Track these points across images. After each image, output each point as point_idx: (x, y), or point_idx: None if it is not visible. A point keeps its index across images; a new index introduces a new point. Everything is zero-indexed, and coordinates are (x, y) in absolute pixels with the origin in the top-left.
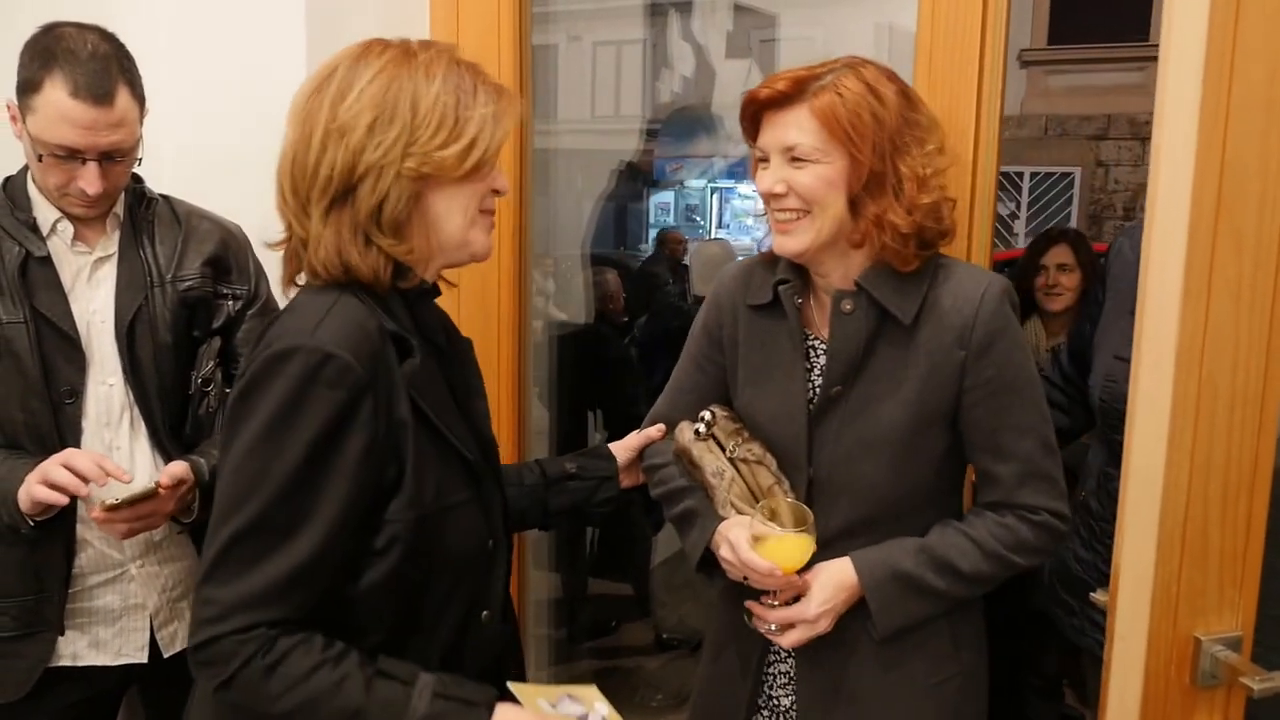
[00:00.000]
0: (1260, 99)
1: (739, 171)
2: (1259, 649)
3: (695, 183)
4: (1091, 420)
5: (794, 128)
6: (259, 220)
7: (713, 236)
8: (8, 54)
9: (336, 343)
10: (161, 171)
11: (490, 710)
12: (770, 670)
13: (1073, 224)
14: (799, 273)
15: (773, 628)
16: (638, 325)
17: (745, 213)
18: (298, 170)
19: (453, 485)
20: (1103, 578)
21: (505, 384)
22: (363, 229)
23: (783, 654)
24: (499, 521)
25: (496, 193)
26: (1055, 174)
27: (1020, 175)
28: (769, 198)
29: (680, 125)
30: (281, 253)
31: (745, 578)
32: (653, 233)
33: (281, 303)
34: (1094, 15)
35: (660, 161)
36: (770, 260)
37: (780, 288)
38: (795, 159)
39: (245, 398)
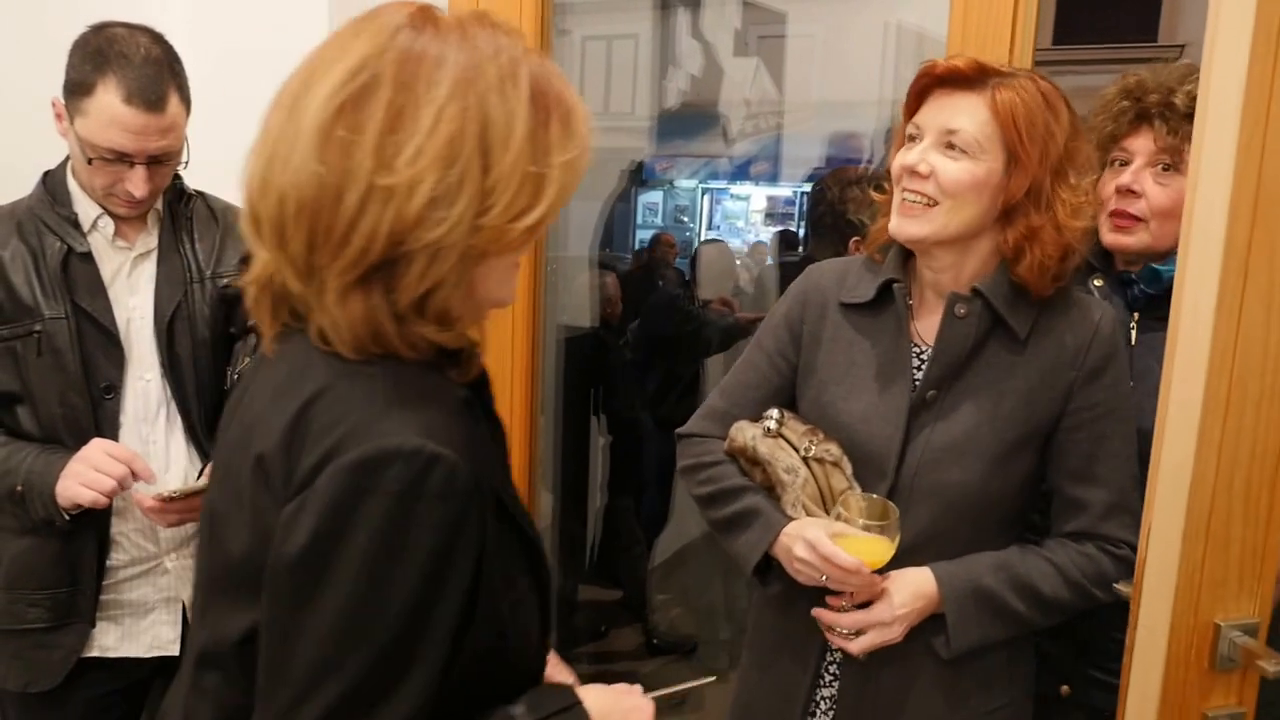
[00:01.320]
0: None
1: (735, 172)
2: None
3: (685, 183)
4: None
5: (965, 113)
6: None
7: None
8: (33, 49)
9: (434, 435)
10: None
11: (580, 703)
12: (823, 676)
13: None
14: (905, 274)
15: (845, 632)
16: (630, 329)
17: (736, 215)
18: (316, 223)
19: (516, 574)
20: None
21: (519, 395)
22: (401, 314)
23: (833, 670)
24: (549, 606)
25: None
26: None
27: None
28: (907, 174)
29: (678, 124)
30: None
31: (824, 578)
32: (642, 234)
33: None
34: (1101, 15)
35: (649, 161)
36: (871, 261)
37: (894, 285)
38: (952, 145)
39: (326, 534)
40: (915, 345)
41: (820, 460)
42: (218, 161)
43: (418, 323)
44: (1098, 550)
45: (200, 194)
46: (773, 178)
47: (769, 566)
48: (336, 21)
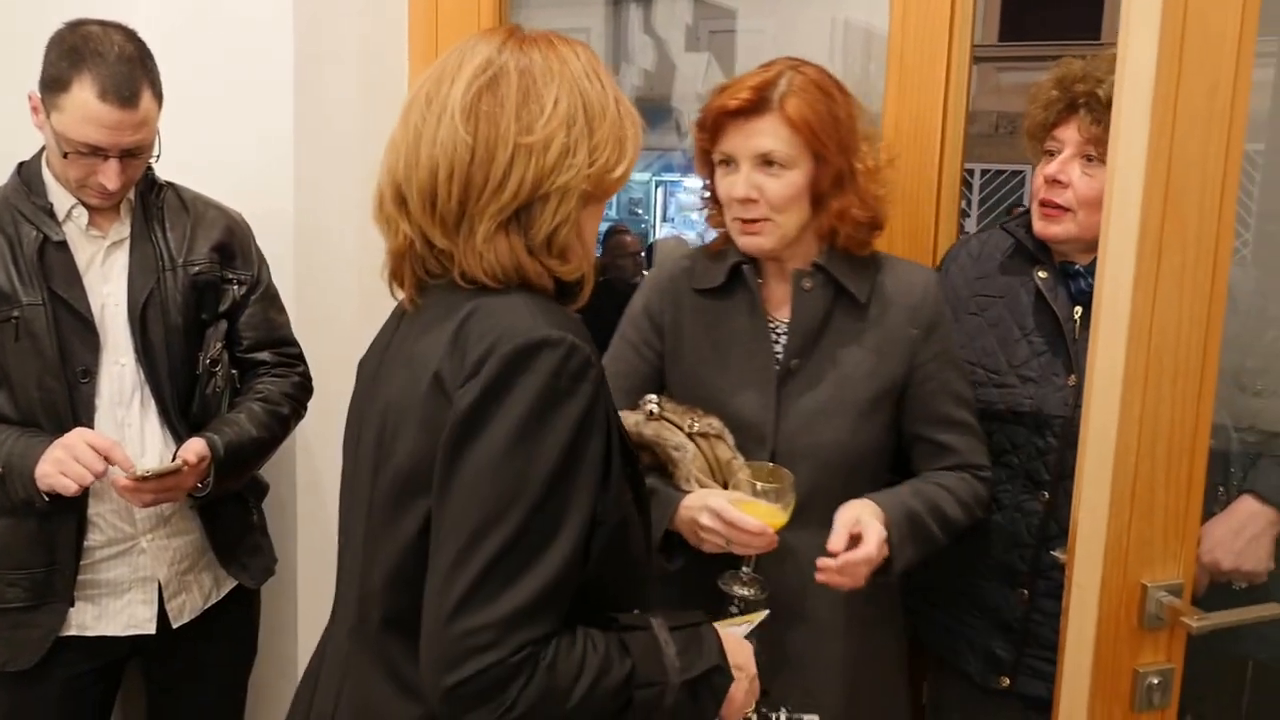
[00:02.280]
0: (1201, 111)
1: (688, 165)
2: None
3: (639, 176)
4: None
5: (768, 135)
6: (258, 211)
7: (671, 233)
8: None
9: (571, 331)
10: (180, 166)
11: (711, 628)
12: None
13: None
14: (752, 258)
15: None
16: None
17: (691, 207)
18: (470, 180)
19: (628, 494)
20: None
21: None
22: (533, 250)
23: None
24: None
25: None
26: (1006, 171)
27: (971, 172)
28: (737, 202)
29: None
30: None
31: (729, 544)
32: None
33: (369, 306)
34: (1045, 13)
35: None
36: (715, 249)
37: (744, 268)
38: (769, 163)
39: (491, 398)
40: (771, 321)
41: (705, 435)
42: (186, 154)
43: (545, 257)
44: (971, 478)
45: (171, 185)
46: None
47: (670, 543)
48: (300, 21)
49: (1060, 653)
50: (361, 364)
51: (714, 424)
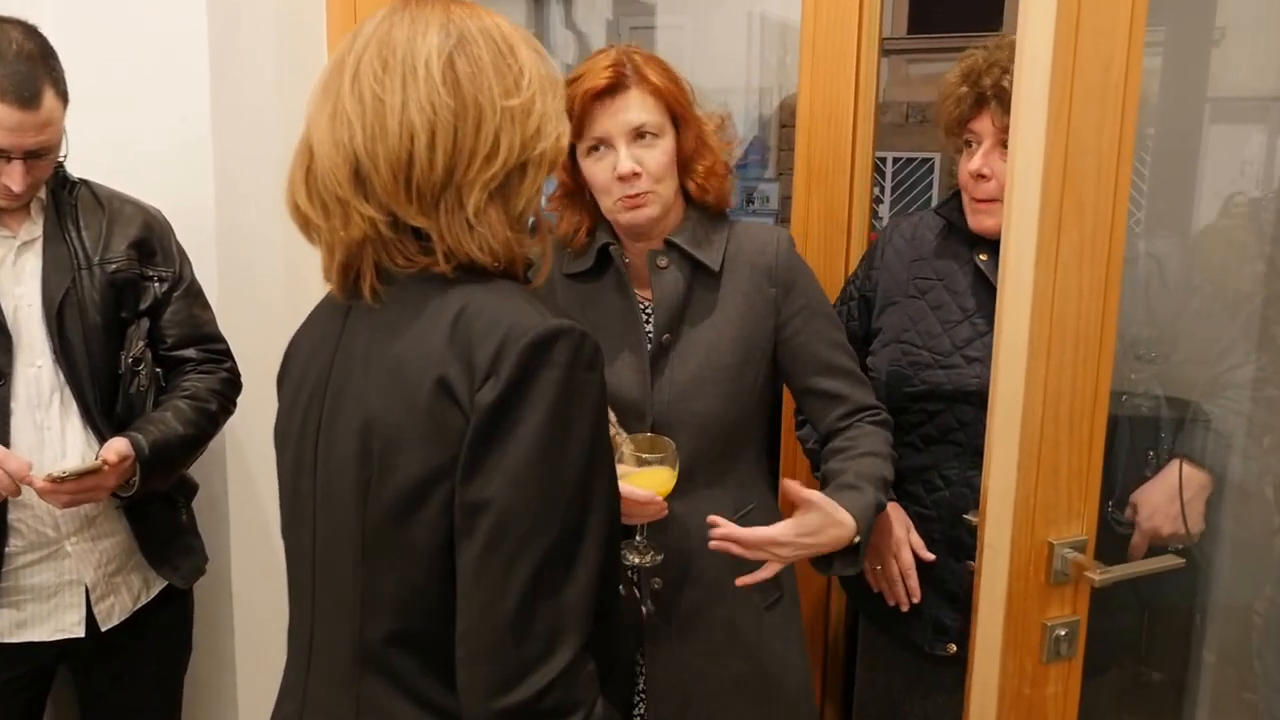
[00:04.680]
0: (1096, 88)
1: None
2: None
3: None
4: None
5: (637, 108)
6: (177, 205)
7: None
8: None
9: (574, 320)
10: (92, 162)
11: None
12: None
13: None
14: (617, 241)
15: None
16: None
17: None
18: (459, 146)
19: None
20: None
21: None
22: (512, 223)
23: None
24: None
25: None
26: (916, 159)
27: (884, 160)
28: (619, 180)
29: None
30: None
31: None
32: None
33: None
34: (951, 6)
35: None
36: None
37: (611, 249)
38: (641, 135)
39: (516, 395)
40: (642, 300)
41: None
42: (101, 149)
43: (518, 230)
44: (873, 424)
45: (85, 182)
46: None
47: None
48: (213, 10)
49: (974, 611)
50: (289, 371)
51: None
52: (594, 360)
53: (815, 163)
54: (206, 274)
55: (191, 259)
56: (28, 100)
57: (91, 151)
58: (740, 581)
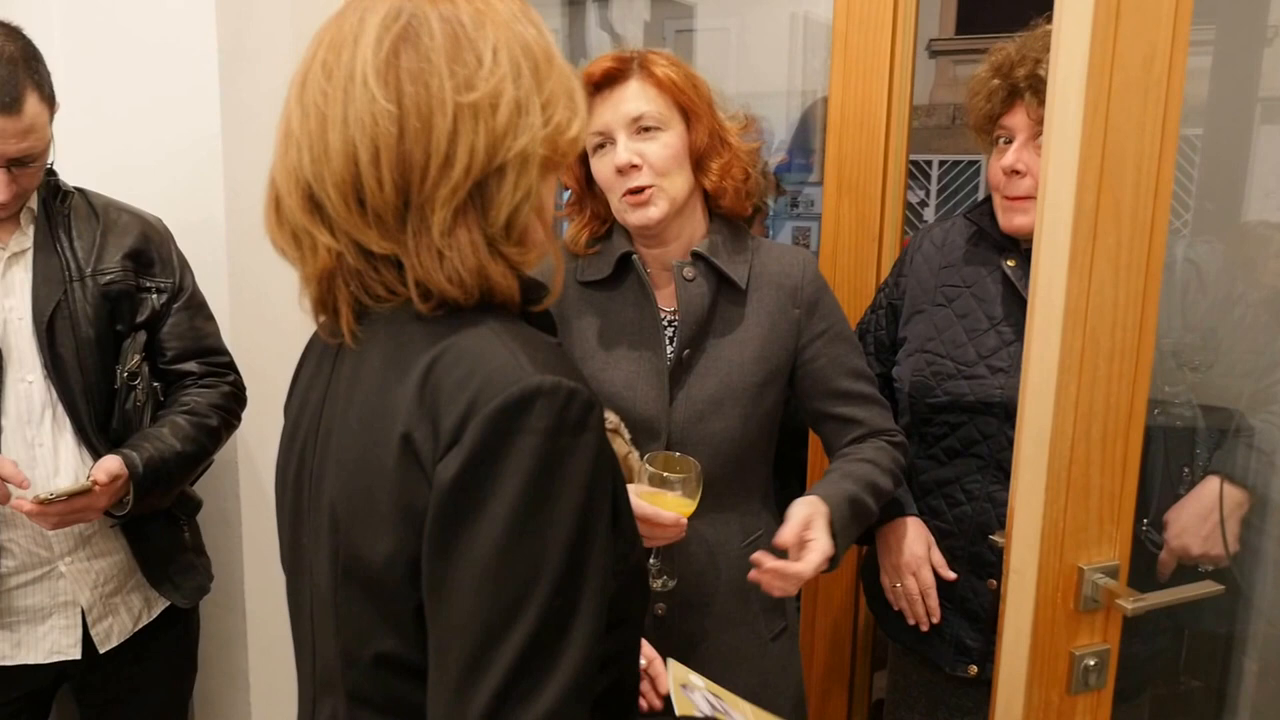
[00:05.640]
0: (1138, 84)
1: None
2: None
3: None
4: None
5: (637, 98)
6: (187, 216)
7: None
8: None
9: (560, 371)
10: (87, 170)
11: None
12: None
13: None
14: (636, 249)
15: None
16: None
17: None
18: (407, 160)
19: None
20: None
21: None
22: (493, 239)
23: None
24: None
25: None
26: (963, 162)
27: (930, 163)
28: (624, 171)
29: None
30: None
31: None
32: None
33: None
34: (1001, 5)
35: None
36: (594, 250)
37: (633, 258)
38: (642, 129)
39: (481, 471)
40: (662, 311)
41: None
42: (110, 159)
43: (505, 246)
44: (886, 444)
45: (81, 191)
46: None
47: None
48: (222, 14)
49: (999, 638)
50: (291, 399)
51: (610, 418)
52: (583, 421)
53: (846, 167)
54: (218, 286)
55: (203, 270)
56: (8, 106)
57: (99, 160)
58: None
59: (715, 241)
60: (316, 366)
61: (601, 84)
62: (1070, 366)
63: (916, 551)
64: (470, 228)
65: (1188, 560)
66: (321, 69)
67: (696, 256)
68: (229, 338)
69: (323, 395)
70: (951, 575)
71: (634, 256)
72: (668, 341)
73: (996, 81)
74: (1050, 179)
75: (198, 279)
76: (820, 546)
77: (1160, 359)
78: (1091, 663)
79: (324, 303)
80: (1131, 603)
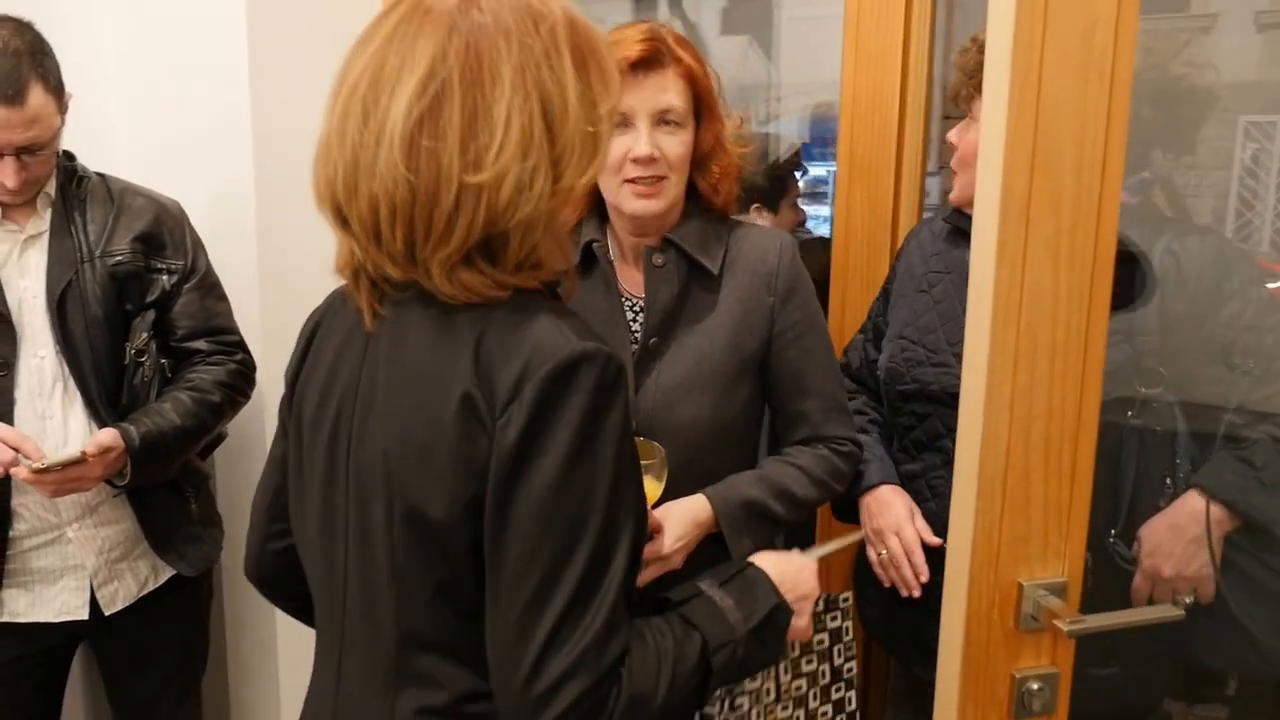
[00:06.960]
0: (1076, 58)
1: None
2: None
3: None
4: None
5: (670, 91)
6: (206, 198)
7: None
8: None
9: (595, 338)
10: (118, 154)
11: (758, 570)
12: None
13: None
14: (603, 234)
15: None
16: None
17: None
18: (414, 223)
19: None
20: None
21: None
22: (498, 274)
23: None
24: None
25: None
26: None
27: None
28: (639, 161)
29: None
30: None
31: None
32: None
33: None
34: None
35: None
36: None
37: (594, 246)
38: (665, 122)
39: (539, 424)
40: (626, 299)
41: None
42: (134, 140)
43: (519, 275)
44: (829, 451)
45: (102, 175)
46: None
47: None
48: (255, 19)
49: (940, 651)
50: (318, 359)
51: None
52: (617, 381)
53: (858, 153)
54: (247, 264)
55: (231, 249)
56: (12, 97)
57: (128, 143)
58: None
59: (689, 227)
60: (345, 340)
61: (636, 65)
62: (1003, 364)
63: (897, 513)
64: (477, 270)
65: (1162, 583)
66: (361, 107)
67: (668, 243)
68: (258, 314)
69: (358, 366)
70: (936, 540)
71: (596, 246)
72: (634, 328)
73: (981, 56)
74: (980, 161)
75: (228, 256)
76: (669, 536)
77: (1135, 358)
78: (1035, 686)
79: (356, 275)
80: (1069, 624)
